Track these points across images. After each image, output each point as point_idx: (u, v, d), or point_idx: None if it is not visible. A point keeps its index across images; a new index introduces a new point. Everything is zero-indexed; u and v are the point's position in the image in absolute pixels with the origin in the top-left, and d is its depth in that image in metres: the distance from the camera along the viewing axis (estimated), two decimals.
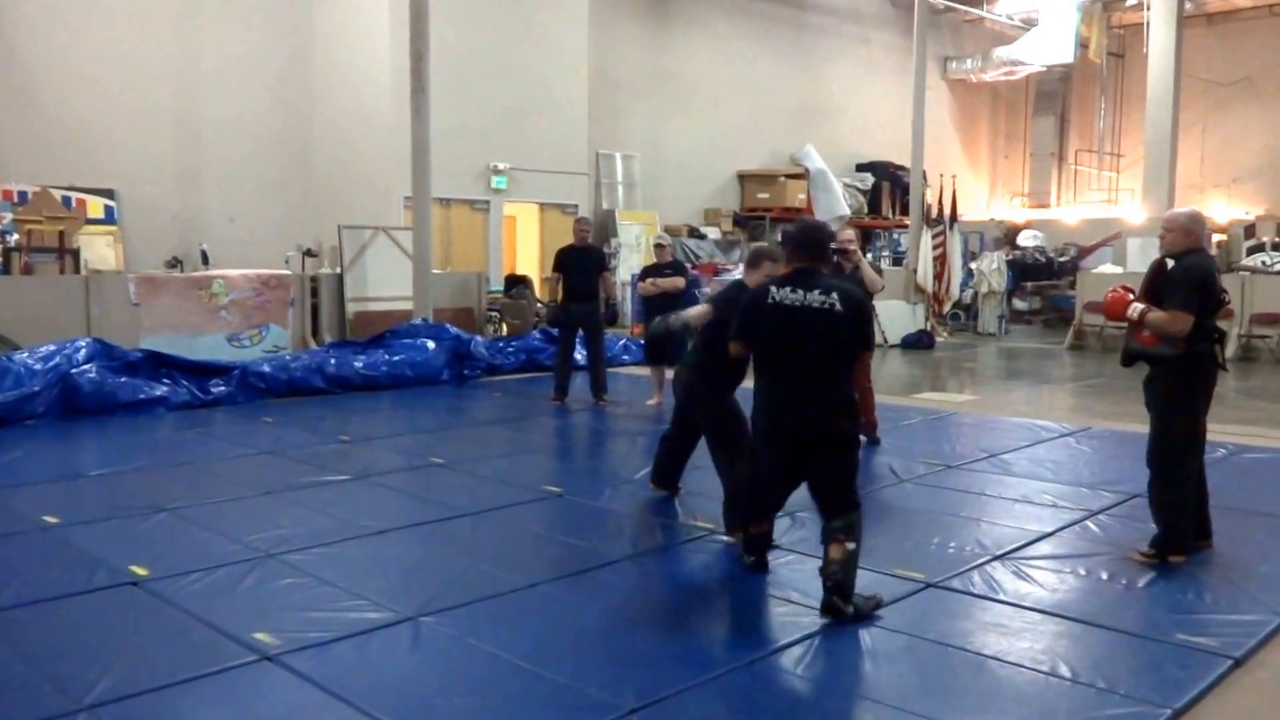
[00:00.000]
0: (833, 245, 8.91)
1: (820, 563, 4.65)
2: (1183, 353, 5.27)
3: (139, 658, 4.10)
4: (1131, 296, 5.45)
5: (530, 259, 18.05)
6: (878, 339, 16.79)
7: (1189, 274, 5.26)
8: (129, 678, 3.90)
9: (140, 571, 5.09)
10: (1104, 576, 5.22)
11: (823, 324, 4.61)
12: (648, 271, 10.75)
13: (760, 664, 4.13)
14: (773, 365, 4.81)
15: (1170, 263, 5.37)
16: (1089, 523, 6.20)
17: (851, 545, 4.60)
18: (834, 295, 4.63)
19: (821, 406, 4.68)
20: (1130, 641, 4.42)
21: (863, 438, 8.57)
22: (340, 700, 3.75)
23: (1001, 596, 4.93)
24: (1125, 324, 5.58)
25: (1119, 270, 17.22)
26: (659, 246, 10.95)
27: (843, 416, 4.74)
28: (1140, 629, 4.54)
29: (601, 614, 4.58)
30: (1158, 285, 5.37)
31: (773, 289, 4.73)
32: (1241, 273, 15.78)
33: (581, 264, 10.65)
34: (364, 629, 4.40)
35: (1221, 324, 5.52)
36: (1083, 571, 5.30)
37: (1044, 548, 5.71)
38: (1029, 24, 25.76)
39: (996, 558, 5.49)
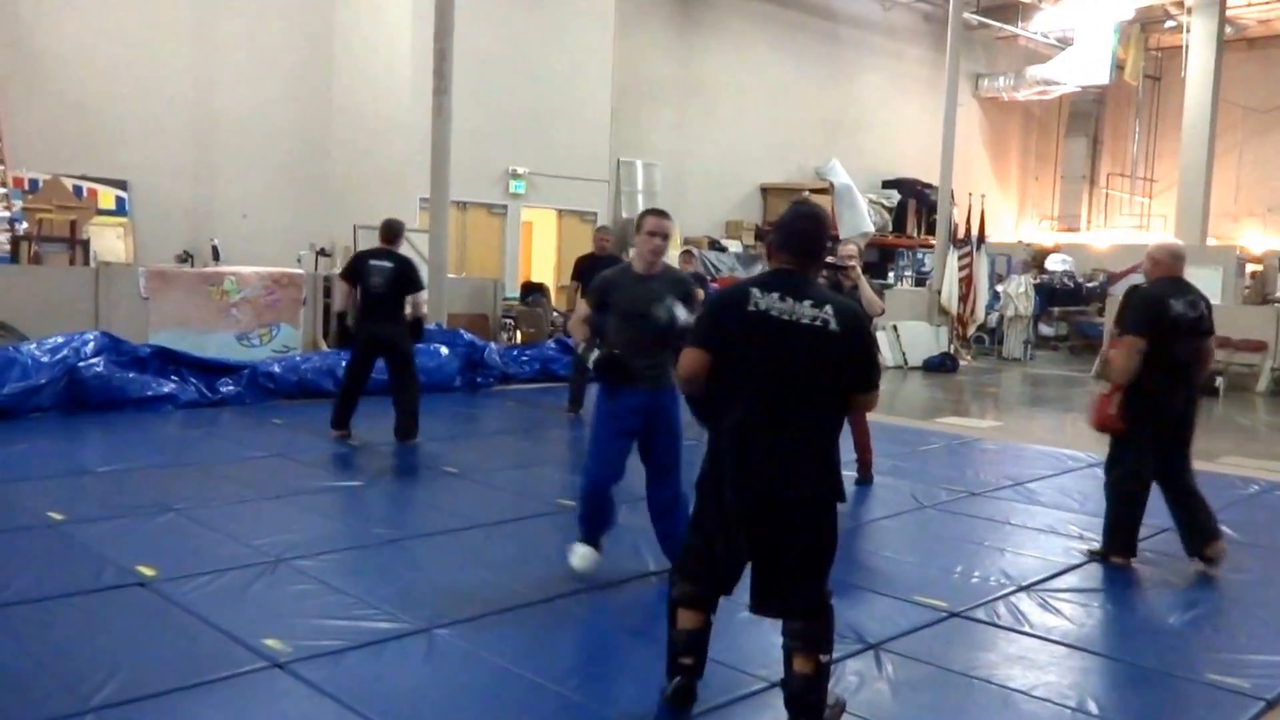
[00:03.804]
0: (832, 260, 8.60)
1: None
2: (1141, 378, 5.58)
3: (147, 660, 4.02)
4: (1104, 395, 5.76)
5: (546, 266, 17.87)
6: (898, 360, 16.82)
7: (1135, 299, 5.79)
8: (137, 680, 3.82)
9: (148, 572, 5.01)
10: (1132, 611, 5.10)
11: (814, 347, 3.46)
12: None
13: (778, 689, 4.01)
14: (743, 396, 3.55)
15: None
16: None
17: (825, 658, 3.55)
18: (828, 309, 3.47)
19: (806, 460, 3.50)
20: (1160, 679, 4.31)
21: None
22: (352, 711, 3.67)
23: (1027, 628, 4.81)
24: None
25: None
26: (686, 253, 10.80)
27: (832, 475, 3.57)
28: (1170, 667, 4.42)
29: (618, 631, 4.48)
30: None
31: (755, 292, 3.52)
32: (1276, 305, 15.47)
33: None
34: (377, 639, 4.32)
35: (1254, 358, 5.69)
36: (1110, 606, 5.19)
37: (1070, 580, 5.59)
38: (1064, 43, 25.41)
39: (1022, 588, 5.36)
